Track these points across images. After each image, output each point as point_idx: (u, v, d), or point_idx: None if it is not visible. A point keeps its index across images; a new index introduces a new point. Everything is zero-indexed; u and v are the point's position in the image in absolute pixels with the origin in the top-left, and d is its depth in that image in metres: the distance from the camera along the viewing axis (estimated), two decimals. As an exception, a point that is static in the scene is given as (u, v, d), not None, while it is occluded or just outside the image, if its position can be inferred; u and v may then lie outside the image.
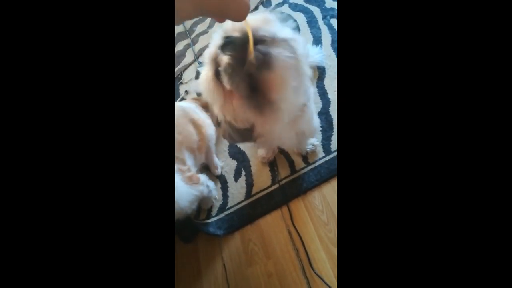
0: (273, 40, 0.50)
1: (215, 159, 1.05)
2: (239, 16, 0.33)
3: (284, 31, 0.52)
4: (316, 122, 0.83)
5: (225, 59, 0.49)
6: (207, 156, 1.01)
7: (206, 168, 1.06)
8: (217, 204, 1.02)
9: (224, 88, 0.52)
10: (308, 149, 0.98)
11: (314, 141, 0.98)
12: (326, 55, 1.14)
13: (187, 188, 0.79)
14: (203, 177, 0.87)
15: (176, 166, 0.80)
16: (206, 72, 0.55)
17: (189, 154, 0.85)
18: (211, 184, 0.96)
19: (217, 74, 0.52)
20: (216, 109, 0.57)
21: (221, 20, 0.34)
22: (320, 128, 1.01)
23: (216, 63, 0.52)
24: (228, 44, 0.49)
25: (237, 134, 0.63)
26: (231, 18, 0.33)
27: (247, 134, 0.61)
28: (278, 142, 0.76)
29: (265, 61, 0.48)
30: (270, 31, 0.51)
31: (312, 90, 0.92)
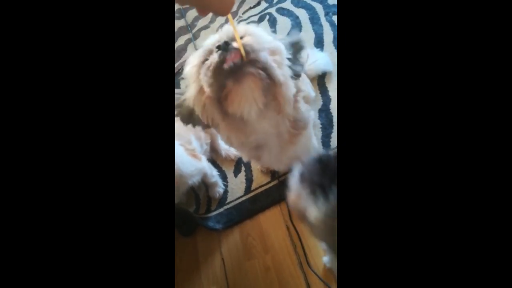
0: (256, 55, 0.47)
1: (221, 143, 1.11)
2: (223, 10, 0.31)
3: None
4: (315, 146, 0.77)
5: (215, 56, 0.48)
6: (213, 140, 1.07)
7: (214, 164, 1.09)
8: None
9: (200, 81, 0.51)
10: None
11: None
12: (328, 53, 1.14)
13: (190, 159, 0.85)
14: (204, 160, 0.93)
15: (182, 143, 0.86)
16: (195, 58, 0.53)
17: (195, 139, 0.92)
18: (214, 172, 1.01)
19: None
20: (189, 95, 0.55)
21: (204, 12, 0.33)
22: (320, 126, 1.01)
23: (207, 54, 0.51)
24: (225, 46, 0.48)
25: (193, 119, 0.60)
26: (214, 11, 0.32)
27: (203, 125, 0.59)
28: (265, 162, 0.71)
29: (235, 71, 0.46)
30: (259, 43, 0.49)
31: (313, 114, 0.88)
